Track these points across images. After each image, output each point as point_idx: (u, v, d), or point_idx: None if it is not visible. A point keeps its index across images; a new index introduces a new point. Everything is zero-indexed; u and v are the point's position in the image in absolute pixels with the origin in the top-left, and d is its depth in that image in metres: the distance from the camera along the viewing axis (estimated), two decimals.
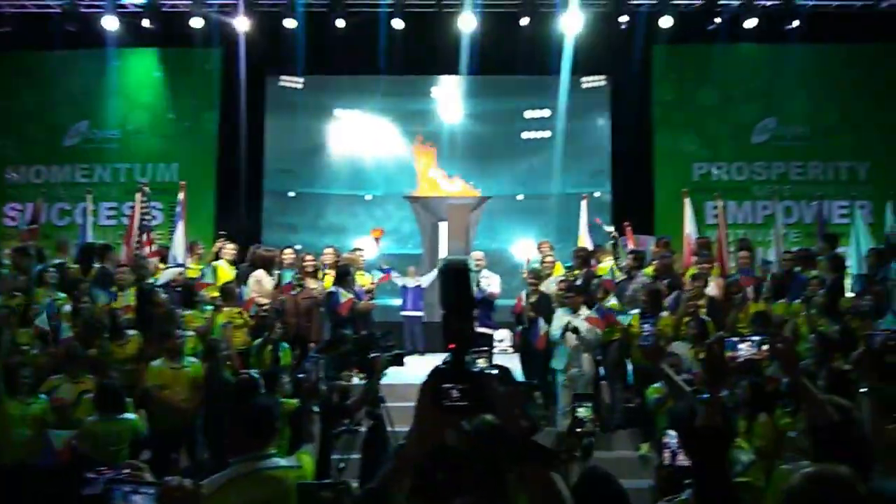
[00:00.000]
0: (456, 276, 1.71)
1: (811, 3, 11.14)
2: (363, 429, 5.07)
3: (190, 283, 7.51)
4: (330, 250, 8.67)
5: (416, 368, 7.90)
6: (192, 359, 6.22)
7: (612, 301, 7.46)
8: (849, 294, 7.35)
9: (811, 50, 11.61)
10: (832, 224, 10.41)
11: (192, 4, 10.83)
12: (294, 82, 12.36)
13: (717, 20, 11.16)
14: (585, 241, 9.42)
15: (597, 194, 12.04)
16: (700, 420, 2.17)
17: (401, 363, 4.51)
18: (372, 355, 4.67)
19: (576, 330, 6.87)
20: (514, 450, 1.58)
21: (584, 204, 9.90)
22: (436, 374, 1.62)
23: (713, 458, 2.04)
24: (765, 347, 2.60)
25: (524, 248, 11.57)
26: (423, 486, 1.81)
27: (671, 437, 2.85)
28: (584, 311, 7.09)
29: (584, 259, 8.45)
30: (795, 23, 10.97)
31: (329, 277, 8.01)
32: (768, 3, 11.12)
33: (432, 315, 10.25)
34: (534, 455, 1.56)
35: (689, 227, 9.08)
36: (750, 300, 7.31)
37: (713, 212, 11.31)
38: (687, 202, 9.30)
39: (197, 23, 10.82)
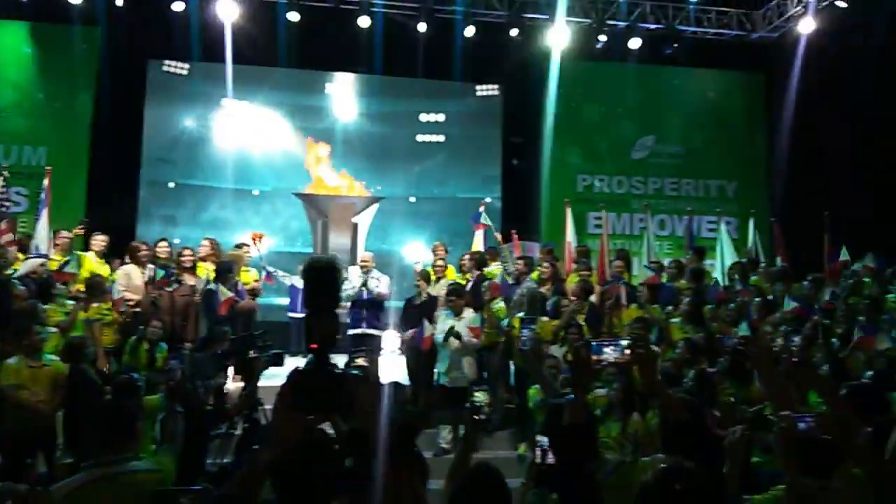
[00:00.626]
0: (321, 275, 1.69)
1: (691, 28, 11.92)
2: (238, 432, 4.90)
3: (46, 276, 6.95)
4: (206, 242, 8.27)
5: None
6: (53, 357, 5.78)
7: (500, 304, 7.63)
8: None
9: (688, 73, 12.42)
10: (701, 238, 11.15)
11: None
12: (179, 68, 11.81)
13: (604, 38, 11.72)
14: (479, 245, 9.57)
15: (487, 200, 12.28)
16: (565, 419, 2.25)
17: (280, 363, 4.39)
18: (250, 356, 4.52)
19: (457, 335, 6.97)
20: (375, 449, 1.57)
21: (483, 209, 10.08)
22: (296, 375, 1.59)
23: (577, 456, 2.11)
24: (627, 351, 2.74)
25: (416, 250, 11.67)
26: (295, 488, 1.77)
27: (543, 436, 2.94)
28: (468, 315, 7.20)
29: (478, 262, 8.58)
30: (672, 46, 11.71)
31: (203, 268, 7.69)
32: (652, 26, 11.80)
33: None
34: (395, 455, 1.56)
35: (570, 236, 9.47)
36: (624, 306, 7.68)
37: (595, 221, 11.91)
38: (569, 212, 9.69)
39: None
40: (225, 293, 7.13)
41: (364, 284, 7.96)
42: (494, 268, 8.64)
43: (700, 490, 1.36)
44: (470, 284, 8.19)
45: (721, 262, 9.64)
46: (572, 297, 7.63)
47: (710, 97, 12.76)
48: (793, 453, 2.17)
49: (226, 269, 7.43)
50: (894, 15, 9.75)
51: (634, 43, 11.69)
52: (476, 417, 2.67)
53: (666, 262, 9.28)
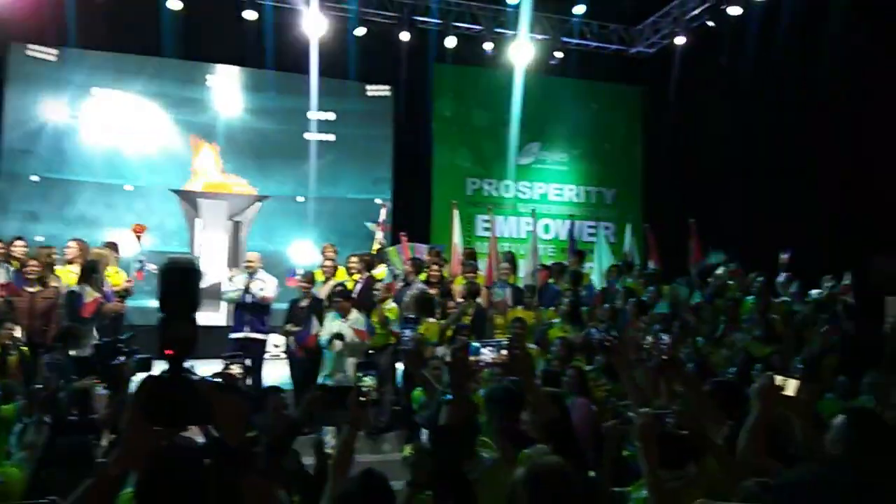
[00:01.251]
0: (179, 276, 1.59)
1: (575, 40, 12.40)
2: (104, 444, 4.58)
3: None
4: (73, 244, 7.72)
5: None
6: None
7: (392, 305, 7.61)
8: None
9: (573, 84, 12.91)
10: (582, 242, 11.61)
11: None
12: (46, 53, 10.94)
13: (491, 45, 11.97)
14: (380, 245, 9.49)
15: (378, 201, 12.22)
16: (444, 419, 2.25)
17: (149, 369, 4.13)
18: (116, 362, 4.24)
19: (341, 336, 6.89)
20: (233, 462, 1.50)
21: (383, 211, 10.01)
22: (148, 382, 1.49)
23: (452, 455, 2.12)
24: (503, 352, 2.79)
25: (303, 251, 11.41)
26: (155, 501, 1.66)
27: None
28: (353, 316, 7.13)
29: (368, 263, 8.50)
30: (558, 56, 12.13)
31: (67, 272, 7.17)
32: (538, 37, 12.17)
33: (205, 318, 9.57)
34: (251, 467, 1.49)
35: (457, 238, 9.59)
36: (510, 307, 7.87)
37: (484, 224, 12.14)
38: (455, 214, 9.80)
39: None
40: (91, 294, 6.66)
41: (245, 289, 7.69)
42: (381, 270, 8.60)
43: (567, 485, 1.39)
44: (359, 286, 8.11)
45: (599, 265, 10.08)
46: (459, 299, 7.74)
47: (593, 108, 13.33)
48: (651, 447, 2.27)
49: (91, 269, 6.94)
50: (758, 35, 10.58)
51: (520, 52, 12.01)
52: (362, 399, 2.62)
53: (549, 264, 9.63)
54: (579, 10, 11.92)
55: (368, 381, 2.68)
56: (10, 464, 2.57)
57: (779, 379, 2.67)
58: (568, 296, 7.56)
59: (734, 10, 11.00)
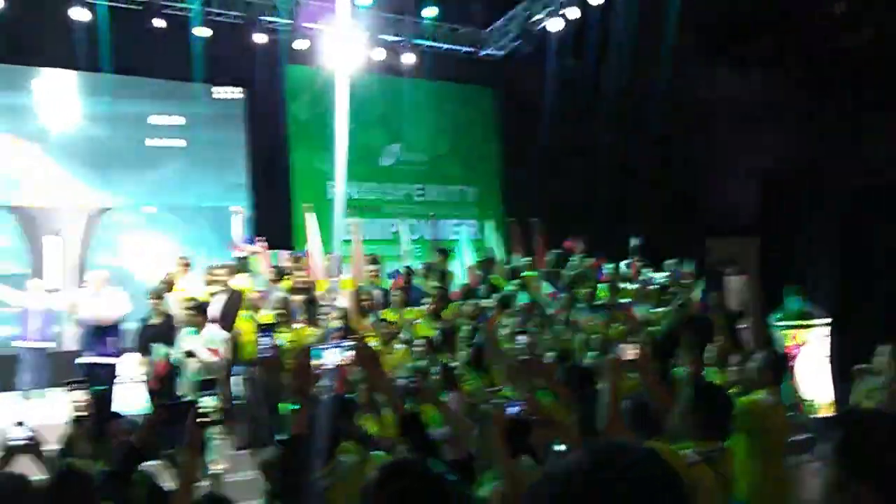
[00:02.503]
0: None
1: (427, 42, 12.57)
2: None
3: None
4: None
5: (8, 411, 6.70)
6: None
7: (265, 313, 7.35)
8: None
9: (428, 86, 13.06)
10: (446, 240, 11.79)
11: None
12: None
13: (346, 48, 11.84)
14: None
15: (234, 208, 11.74)
16: (290, 430, 2.20)
17: None
18: None
19: (191, 354, 6.56)
20: None
21: (236, 218, 9.57)
22: None
23: (301, 463, 2.08)
24: (349, 353, 2.77)
25: (155, 264, 10.73)
26: None
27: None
28: (209, 333, 6.82)
29: (231, 274, 8.12)
30: (412, 58, 12.24)
31: None
32: (389, 38, 12.22)
33: (63, 344, 8.81)
34: None
35: (312, 242, 9.41)
36: (380, 306, 7.85)
37: (348, 228, 12.00)
38: (309, 217, 9.64)
39: None
40: None
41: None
42: (245, 284, 8.25)
43: (419, 485, 1.38)
44: (219, 300, 7.74)
45: (461, 262, 10.28)
46: (324, 304, 7.60)
47: (448, 108, 13.57)
48: (502, 435, 2.33)
49: None
50: (599, 38, 11.23)
51: (375, 54, 12.00)
52: (200, 421, 2.49)
53: (416, 265, 9.68)
54: (430, 12, 12.08)
55: (208, 400, 2.57)
56: None
57: (620, 349, 2.81)
58: (433, 294, 7.64)
59: (573, 13, 11.62)
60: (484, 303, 7.80)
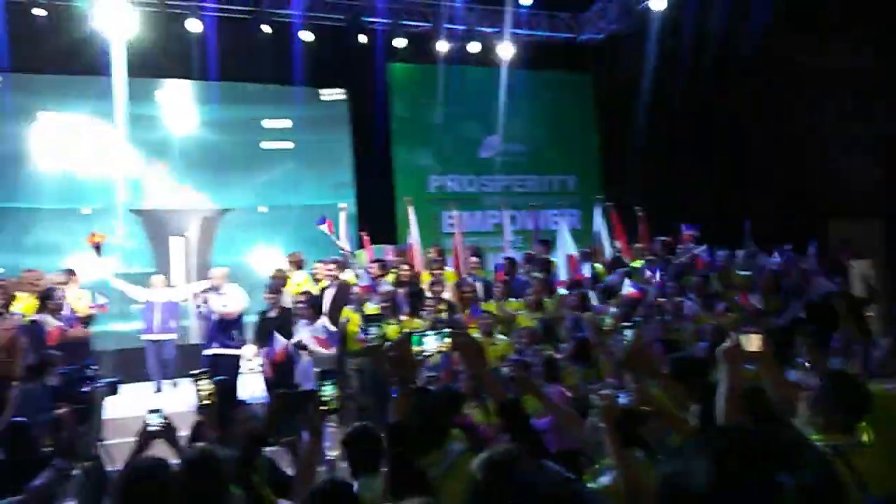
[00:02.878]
0: None
1: (526, 32, 12.47)
2: (76, 471, 4.50)
3: None
4: (29, 273, 7.56)
5: (140, 399, 7.27)
6: None
7: (371, 306, 7.59)
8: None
9: (524, 75, 12.97)
10: (547, 230, 11.70)
11: None
12: None
13: (445, 44, 11.97)
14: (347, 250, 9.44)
15: (341, 205, 12.16)
16: (392, 416, 2.27)
17: (115, 392, 4.10)
18: (85, 389, 4.18)
19: (302, 346, 6.88)
20: None
21: (342, 215, 9.93)
22: None
23: (400, 449, 2.13)
24: (447, 340, 2.80)
25: (269, 262, 11.29)
26: None
27: None
28: (319, 324, 7.12)
29: (340, 269, 8.45)
30: (512, 49, 12.17)
31: (22, 299, 7.04)
32: (488, 30, 12.22)
33: (188, 336, 9.40)
34: None
35: (415, 235, 9.57)
36: (481, 300, 7.91)
37: (449, 221, 12.16)
38: (410, 210, 9.80)
39: None
40: (51, 323, 6.53)
41: (200, 305, 7.67)
42: (350, 276, 8.56)
43: (522, 472, 1.41)
44: (329, 293, 8.07)
45: (563, 252, 10.13)
46: (430, 297, 7.74)
47: (546, 97, 13.41)
48: (615, 427, 2.31)
49: (45, 297, 6.79)
50: (703, 18, 10.77)
51: (473, 47, 12.06)
52: (323, 409, 2.62)
53: (518, 255, 9.68)
54: (526, 0, 11.98)
55: (328, 388, 2.68)
56: None
57: (741, 338, 2.68)
58: (534, 285, 7.62)
59: None
60: (587, 293, 7.70)
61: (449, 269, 8.91)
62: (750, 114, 11.15)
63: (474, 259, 8.98)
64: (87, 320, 7.47)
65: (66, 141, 11.17)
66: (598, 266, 9.14)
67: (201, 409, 3.42)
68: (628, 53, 12.11)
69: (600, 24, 12.90)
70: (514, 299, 7.99)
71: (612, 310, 7.08)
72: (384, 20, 11.64)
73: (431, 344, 2.71)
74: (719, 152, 11.36)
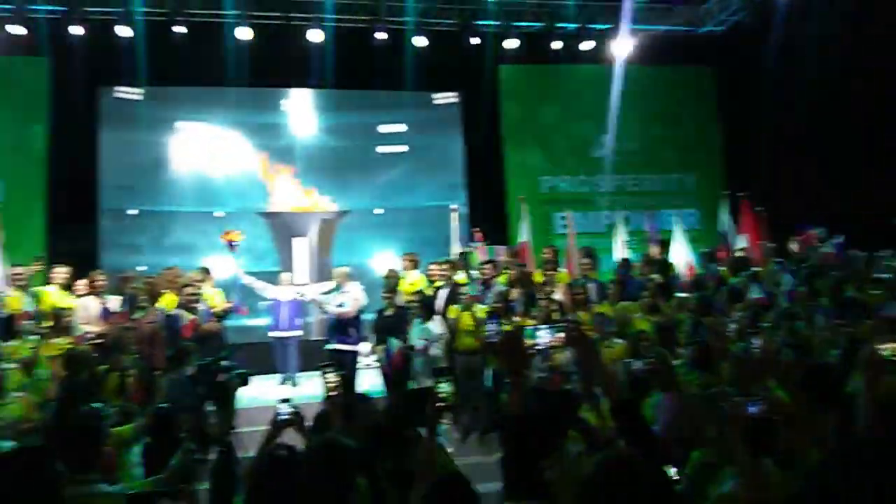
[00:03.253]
0: None
1: (642, 27, 12.13)
2: (212, 457, 4.83)
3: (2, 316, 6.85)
4: (168, 271, 8.20)
5: (268, 390, 7.65)
6: (18, 394, 5.65)
7: (482, 306, 7.67)
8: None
9: (639, 71, 12.62)
10: (663, 230, 11.32)
11: (14, 11, 9.95)
12: (132, 93, 11.65)
13: (558, 43, 11.85)
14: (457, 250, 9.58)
15: (452, 207, 12.35)
16: (507, 410, 2.26)
17: (246, 383, 4.37)
18: (220, 378, 4.49)
19: (413, 347, 7.02)
20: None
21: (454, 216, 10.08)
22: None
23: (517, 444, 2.12)
24: (560, 335, 2.78)
25: (384, 262, 11.64)
26: None
27: None
28: (435, 323, 7.26)
29: (453, 270, 8.59)
30: (627, 45, 11.86)
31: (169, 298, 7.62)
32: (602, 27, 11.98)
33: (310, 332, 9.81)
34: None
35: (526, 235, 9.50)
36: (594, 302, 7.78)
37: (562, 222, 12.04)
38: (524, 209, 9.73)
39: (17, 30, 9.93)
40: (187, 316, 7.06)
41: (320, 306, 8.02)
42: (462, 276, 8.66)
43: (636, 476, 1.39)
44: (442, 293, 8.21)
45: (681, 253, 9.80)
46: (541, 298, 7.70)
47: (662, 93, 12.98)
48: (742, 437, 2.21)
49: (181, 293, 7.35)
50: (829, 3, 10.06)
51: (586, 45, 11.87)
52: (440, 406, 2.67)
53: (634, 257, 9.45)
54: None
55: (444, 386, 2.73)
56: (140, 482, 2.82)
57: (881, 346, 2.52)
58: (650, 287, 7.41)
59: None
60: (709, 296, 7.38)
61: (562, 271, 8.82)
62: (887, 104, 10.28)
63: (587, 260, 8.84)
64: (221, 315, 8.00)
65: (202, 148, 12.02)
66: (722, 268, 8.74)
67: (327, 399, 3.59)
68: (752, 44, 11.50)
69: (721, 15, 12.34)
70: (628, 302, 7.81)
71: (737, 314, 6.75)
72: (496, 22, 11.69)
73: (544, 338, 2.71)
74: (853, 147, 10.55)
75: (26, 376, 6.05)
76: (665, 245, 9.52)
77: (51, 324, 6.81)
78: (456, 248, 9.67)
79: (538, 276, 8.52)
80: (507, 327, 6.87)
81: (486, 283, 8.29)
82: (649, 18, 12.24)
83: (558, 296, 7.91)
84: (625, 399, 2.55)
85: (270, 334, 9.67)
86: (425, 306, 7.55)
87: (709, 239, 11.09)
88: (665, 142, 12.99)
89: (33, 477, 2.31)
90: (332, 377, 3.72)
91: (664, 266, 8.51)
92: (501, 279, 8.47)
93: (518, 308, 7.61)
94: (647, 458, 1.47)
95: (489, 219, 11.54)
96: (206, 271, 8.70)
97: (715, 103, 13.12)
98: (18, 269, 7.73)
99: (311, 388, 8.18)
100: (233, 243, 8.89)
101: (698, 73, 13.16)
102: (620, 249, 10.08)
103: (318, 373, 5.67)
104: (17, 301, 7.29)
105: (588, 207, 12.62)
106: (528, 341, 2.77)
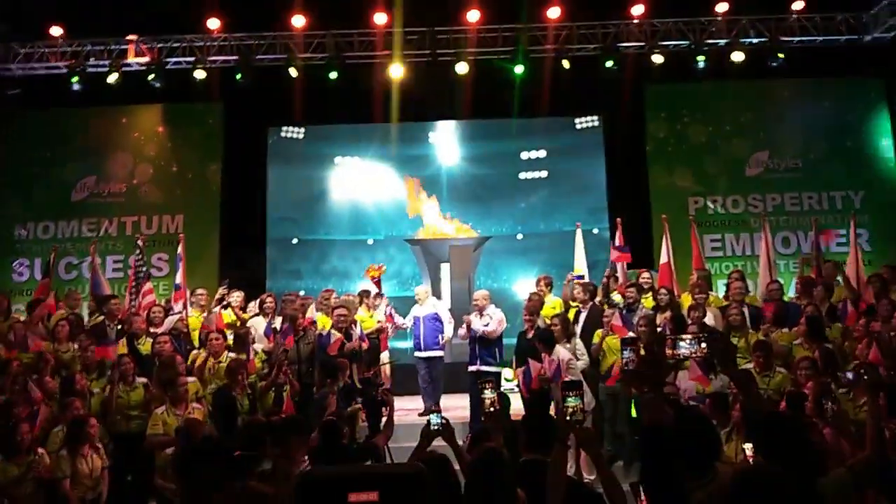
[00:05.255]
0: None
1: (797, 38, 11.38)
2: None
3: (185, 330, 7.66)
4: (324, 292, 8.74)
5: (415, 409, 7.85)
6: (196, 405, 6.24)
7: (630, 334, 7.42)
8: None
9: (798, 84, 11.82)
10: (830, 252, 10.42)
11: (195, 60, 11.15)
12: (294, 132, 12.67)
13: (703, 59, 11.35)
14: (582, 270, 9.40)
15: (595, 231, 12.16)
16: (644, 419, 2.19)
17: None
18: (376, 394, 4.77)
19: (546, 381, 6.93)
20: None
21: (578, 232, 9.88)
22: None
23: (657, 455, 2.05)
24: (703, 345, 2.64)
25: (525, 286, 11.66)
26: None
27: None
28: (575, 345, 7.15)
29: (593, 293, 8.44)
30: (781, 58, 11.14)
31: (324, 319, 8.09)
32: (755, 40, 11.37)
33: (451, 355, 9.59)
34: None
35: (668, 256, 9.10)
36: (748, 328, 7.31)
37: (713, 245, 11.46)
38: (666, 229, 9.36)
39: (199, 74, 11.02)
40: (335, 334, 7.49)
41: (466, 325, 8.10)
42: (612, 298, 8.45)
43: (779, 494, 1.31)
44: (583, 315, 8.07)
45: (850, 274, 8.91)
46: (690, 323, 7.35)
47: (825, 106, 12.03)
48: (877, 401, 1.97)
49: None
50: None
51: (737, 57, 11.26)
52: (568, 419, 2.65)
53: (792, 281, 8.78)
54: (798, 5, 10.96)
55: (572, 400, 2.70)
56: None
57: None
58: (808, 313, 6.85)
59: None
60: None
61: (713, 294, 8.37)
62: None
63: (738, 284, 8.31)
64: (373, 335, 8.39)
65: (355, 181, 12.79)
66: None
67: (486, 415, 3.74)
68: None
69: (891, 21, 11.28)
70: (785, 329, 7.23)
71: None
72: (639, 43, 11.44)
73: (686, 349, 2.62)
74: None
75: (201, 388, 6.68)
76: (835, 265, 8.71)
77: (233, 340, 7.46)
78: (579, 267, 9.43)
79: (686, 300, 8.14)
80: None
81: (630, 307, 8.04)
82: (806, 29, 11.45)
83: (709, 320, 7.52)
84: (771, 411, 2.39)
85: (416, 355, 9.61)
86: (565, 328, 7.44)
87: (881, 261, 10.06)
88: (828, 157, 11.98)
89: None
90: (490, 393, 3.82)
91: (829, 290, 7.82)
92: (647, 303, 8.19)
93: (665, 332, 7.30)
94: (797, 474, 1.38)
95: (633, 241, 11.18)
96: (366, 294, 9.08)
97: (886, 114, 11.95)
98: (201, 291, 8.57)
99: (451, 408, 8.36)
100: (378, 279, 9.21)
101: (863, 84, 12.08)
102: (773, 272, 9.35)
103: (458, 395, 5.81)
104: (197, 321, 8.06)
105: (742, 229, 11.88)
106: (669, 351, 2.67)
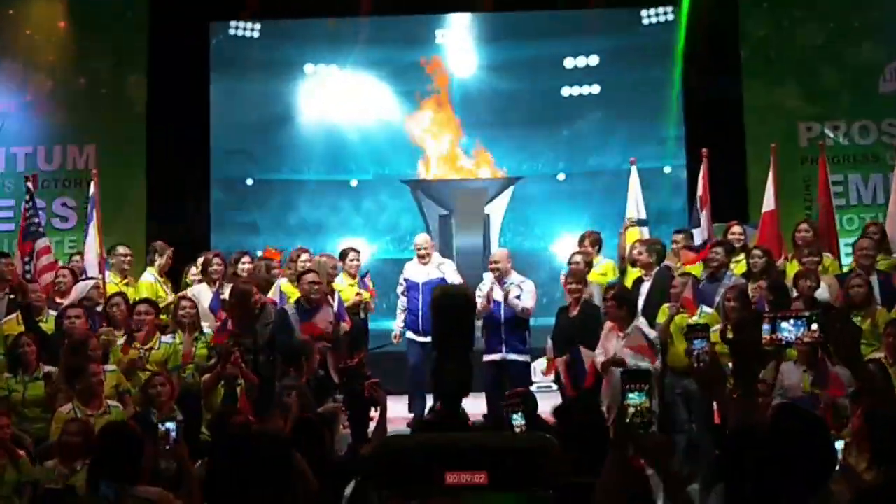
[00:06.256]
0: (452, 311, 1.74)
1: None
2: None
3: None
4: (297, 254, 8.79)
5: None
6: (115, 403, 6.32)
7: (708, 311, 7.44)
8: None
9: None
10: None
11: None
12: (247, 29, 12.51)
13: None
14: (636, 217, 9.39)
15: (667, 170, 12.08)
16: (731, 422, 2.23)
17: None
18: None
19: (620, 363, 6.92)
20: None
21: (633, 169, 9.84)
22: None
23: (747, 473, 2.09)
24: (814, 327, 2.64)
25: (568, 247, 11.65)
26: None
27: None
28: (634, 329, 7.15)
29: (660, 254, 8.42)
30: None
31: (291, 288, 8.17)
32: None
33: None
34: None
35: (772, 203, 9.05)
36: (876, 303, 7.30)
37: (834, 188, 11.35)
38: (772, 161, 9.30)
39: None
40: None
41: (504, 298, 8.07)
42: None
43: None
44: (646, 286, 8.08)
45: None
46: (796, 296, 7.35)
47: None
48: None
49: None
50: None
51: None
52: (629, 422, 2.68)
53: None
54: None
55: (634, 398, 2.71)
56: None
57: None
58: None
59: None
60: None
61: (827, 256, 8.34)
62: None
63: (867, 242, 8.26)
64: (354, 309, 8.43)
65: (334, 100, 12.66)
66: None
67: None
68: None
69: None
70: None
71: None
72: None
73: (790, 332, 2.62)
74: None
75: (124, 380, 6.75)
76: None
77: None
78: (632, 216, 9.39)
79: (792, 267, 8.13)
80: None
81: (714, 274, 8.03)
82: None
83: (823, 292, 7.51)
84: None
85: (408, 336, 9.14)
86: (623, 305, 7.41)
87: None
88: None
89: None
90: (521, 421, 3.84)
91: None
92: (738, 269, 8.18)
93: (764, 308, 7.27)
94: None
95: (720, 185, 11.11)
96: (342, 257, 9.04)
97: None
98: (123, 250, 8.64)
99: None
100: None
101: None
102: None
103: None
104: (116, 288, 8.13)
105: (873, 167, 11.79)
106: (766, 336, 2.67)
